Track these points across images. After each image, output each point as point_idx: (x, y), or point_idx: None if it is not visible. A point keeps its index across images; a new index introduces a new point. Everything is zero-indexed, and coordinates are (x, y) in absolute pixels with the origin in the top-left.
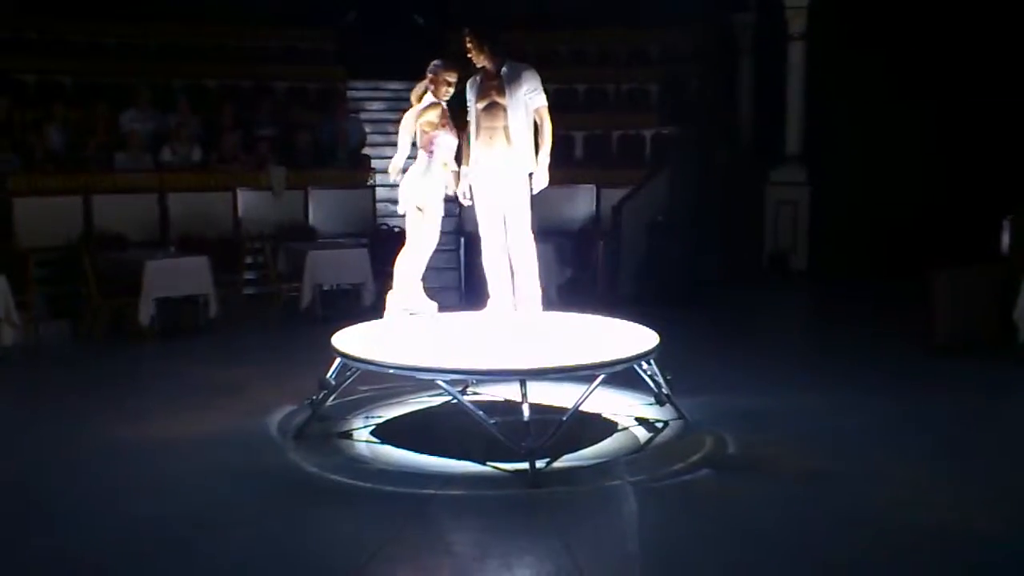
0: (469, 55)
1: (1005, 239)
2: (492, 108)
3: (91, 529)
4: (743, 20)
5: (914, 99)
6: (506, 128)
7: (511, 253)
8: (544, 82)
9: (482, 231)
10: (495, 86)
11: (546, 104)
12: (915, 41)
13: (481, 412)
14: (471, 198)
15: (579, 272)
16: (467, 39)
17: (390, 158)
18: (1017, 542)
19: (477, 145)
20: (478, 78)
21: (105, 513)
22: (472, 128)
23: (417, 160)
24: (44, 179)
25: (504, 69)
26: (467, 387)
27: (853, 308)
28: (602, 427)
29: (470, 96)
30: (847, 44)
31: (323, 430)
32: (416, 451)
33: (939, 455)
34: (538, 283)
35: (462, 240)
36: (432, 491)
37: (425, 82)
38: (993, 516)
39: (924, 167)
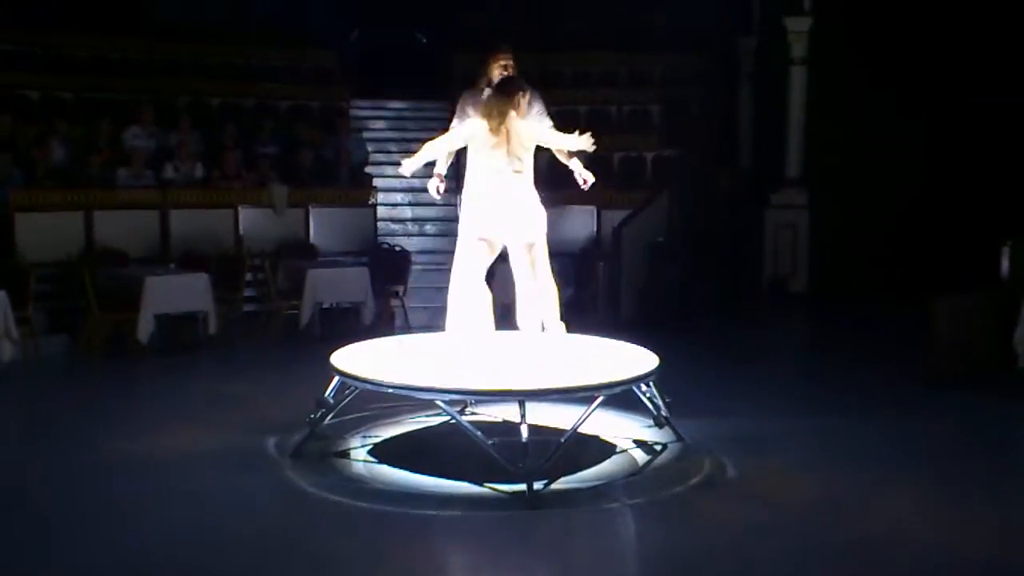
0: (506, 72)
1: (1005, 265)
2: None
3: (88, 545)
4: (745, 44)
5: (915, 124)
6: None
7: (522, 275)
8: (547, 103)
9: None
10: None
11: None
12: (916, 66)
13: (479, 432)
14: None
15: (579, 293)
16: (507, 57)
17: (392, 176)
18: (1018, 572)
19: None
20: (483, 96)
21: (103, 529)
22: (473, 146)
23: (527, 186)
24: (46, 194)
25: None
26: (465, 407)
27: (852, 332)
28: (600, 449)
29: (471, 112)
30: (848, 68)
31: (321, 449)
32: (413, 471)
33: (938, 483)
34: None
35: None
36: (429, 512)
37: (511, 100)
38: (993, 545)
39: (924, 192)
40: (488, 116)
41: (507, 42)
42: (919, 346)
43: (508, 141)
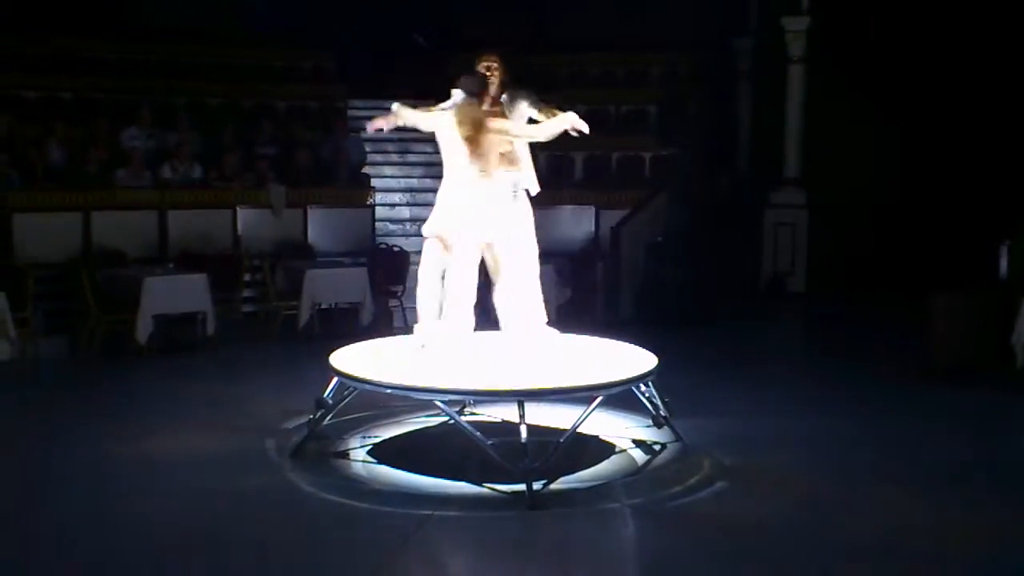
0: (489, 73)
1: (1003, 264)
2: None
3: (88, 547)
4: (743, 43)
5: (914, 123)
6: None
7: (514, 275)
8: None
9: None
10: (496, 112)
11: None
12: (915, 64)
13: (478, 433)
14: None
15: (578, 293)
16: (491, 59)
17: (390, 177)
18: (1016, 571)
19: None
20: (464, 102)
21: (102, 530)
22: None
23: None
24: (44, 195)
25: (504, 96)
26: (464, 407)
27: (851, 331)
28: (600, 449)
29: (450, 120)
30: (846, 67)
31: (320, 449)
32: (412, 471)
33: (937, 482)
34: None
35: None
36: (428, 512)
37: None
38: (992, 544)
39: (923, 190)
40: (459, 123)
41: (493, 44)
42: (917, 345)
43: (480, 147)
